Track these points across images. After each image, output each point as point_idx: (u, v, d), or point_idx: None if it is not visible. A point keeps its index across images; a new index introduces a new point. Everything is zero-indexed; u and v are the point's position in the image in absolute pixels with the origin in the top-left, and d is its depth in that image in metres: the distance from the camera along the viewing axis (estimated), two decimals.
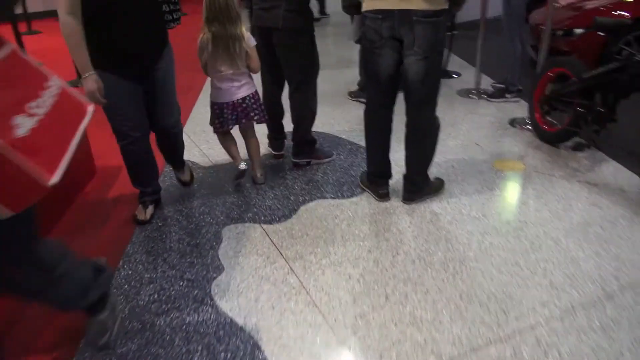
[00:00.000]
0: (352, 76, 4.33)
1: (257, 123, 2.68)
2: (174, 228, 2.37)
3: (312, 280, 1.98)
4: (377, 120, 2.42)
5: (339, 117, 3.78)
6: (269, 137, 3.07)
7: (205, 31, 2.41)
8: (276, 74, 2.78)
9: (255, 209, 2.52)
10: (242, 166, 2.66)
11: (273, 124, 3.01)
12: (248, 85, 2.56)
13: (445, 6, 2.08)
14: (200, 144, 3.33)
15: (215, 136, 2.74)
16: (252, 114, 2.60)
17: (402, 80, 2.26)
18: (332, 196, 2.62)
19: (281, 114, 3.01)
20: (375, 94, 2.36)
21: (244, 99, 2.54)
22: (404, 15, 2.06)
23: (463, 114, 3.77)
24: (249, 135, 2.74)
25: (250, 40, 2.47)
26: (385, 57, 2.21)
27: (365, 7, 2.17)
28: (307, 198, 2.61)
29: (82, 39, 1.85)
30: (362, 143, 3.18)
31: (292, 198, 2.62)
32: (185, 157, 3.11)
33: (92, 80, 1.91)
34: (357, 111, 3.87)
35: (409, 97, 2.27)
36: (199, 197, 2.66)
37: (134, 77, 2.11)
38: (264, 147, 3.06)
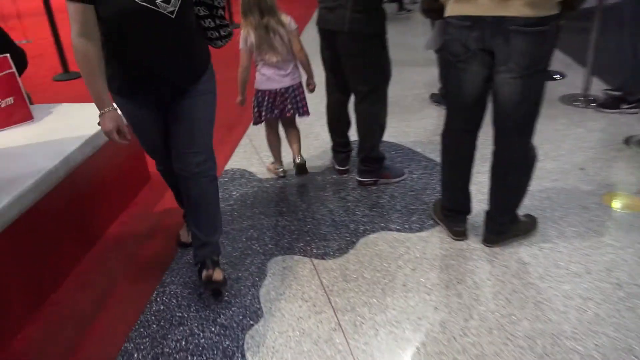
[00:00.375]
0: (435, 76, 3.86)
1: (298, 115, 2.60)
2: None
3: (361, 343, 1.65)
4: (456, 148, 2.00)
5: (415, 125, 3.36)
6: (333, 149, 2.75)
7: (245, 25, 2.37)
8: (341, 80, 2.45)
9: (308, 238, 2.23)
10: (281, 174, 2.76)
11: (337, 136, 2.69)
12: (293, 76, 2.50)
13: (556, 11, 1.61)
14: (261, 151, 3.09)
15: None
16: (289, 107, 2.52)
17: (492, 101, 1.83)
18: (398, 228, 2.26)
19: (347, 125, 2.68)
20: (456, 117, 1.95)
21: (287, 89, 2.48)
22: (499, 24, 1.63)
23: (565, 127, 3.18)
24: (289, 127, 2.70)
25: (290, 25, 2.40)
26: (472, 73, 1.78)
27: (449, 11, 1.75)
28: (368, 228, 2.27)
29: (98, 66, 1.53)
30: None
31: (351, 226, 2.29)
32: (243, 165, 2.94)
33: (109, 119, 1.59)
34: (438, 118, 3.43)
35: (499, 123, 1.84)
36: (250, 216, 2.41)
37: (158, 106, 1.78)
38: (325, 157, 2.76)
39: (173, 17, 1.53)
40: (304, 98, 2.58)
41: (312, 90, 2.62)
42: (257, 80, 2.50)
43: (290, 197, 2.57)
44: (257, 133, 3.32)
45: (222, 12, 1.76)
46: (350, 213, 2.40)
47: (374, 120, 2.45)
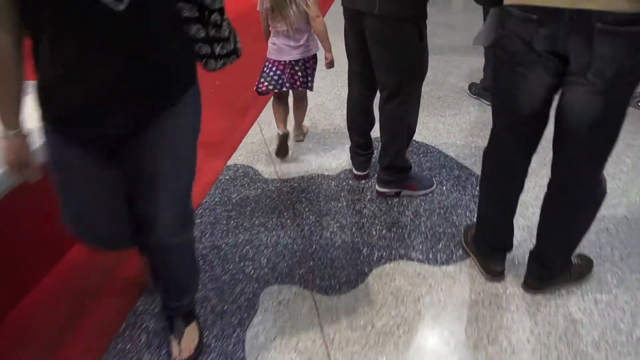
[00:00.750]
0: (477, 64, 3.38)
1: (300, 89, 2.43)
2: (202, 278, 1.81)
3: None
4: (503, 173, 1.59)
5: (449, 122, 2.92)
6: (352, 151, 2.36)
7: None
8: (367, 71, 2.04)
9: (312, 262, 1.88)
10: (281, 131, 2.48)
11: (357, 136, 2.30)
12: (304, 48, 2.31)
13: None
14: (272, 143, 2.73)
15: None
16: (301, 80, 2.36)
17: (556, 119, 1.41)
18: (420, 257, 1.88)
19: (369, 124, 2.28)
20: (506, 134, 1.53)
21: (297, 61, 2.31)
22: (580, 20, 1.19)
23: (629, 135, 2.69)
24: (298, 99, 2.58)
25: None
26: (533, 81, 1.36)
27: None
28: (384, 254, 1.91)
29: (10, 66, 1.03)
30: (477, 169, 2.38)
31: (364, 251, 1.93)
32: (249, 160, 2.59)
33: (12, 147, 1.11)
34: (477, 115, 2.98)
35: (565, 147, 1.42)
36: (248, 228, 2.07)
37: (106, 148, 1.19)
38: (342, 155, 2.39)
39: (121, 9, 0.97)
40: (314, 72, 2.43)
41: (328, 66, 2.37)
42: (269, 48, 2.36)
43: (297, 206, 2.21)
44: (269, 121, 2.96)
45: (220, 19, 1.15)
46: (365, 232, 2.03)
47: (401, 122, 2.05)
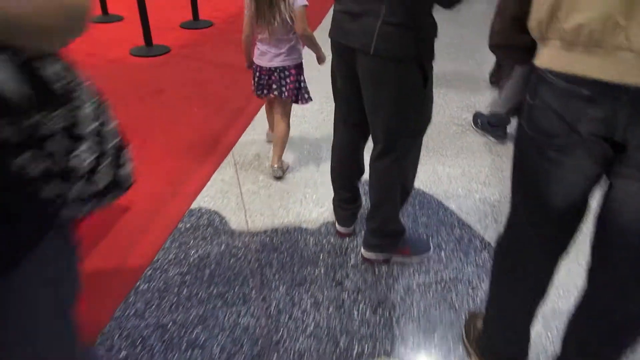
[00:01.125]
0: (484, 90, 3.02)
1: (281, 96, 2.31)
2: None
3: None
4: (521, 274, 1.23)
5: (451, 164, 2.56)
6: (335, 204, 2.00)
7: None
8: (357, 116, 1.69)
9: (276, 356, 1.51)
10: (271, 138, 2.60)
11: (342, 189, 1.94)
12: (285, 57, 2.23)
13: None
14: (245, 183, 2.36)
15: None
16: (274, 86, 2.29)
17: (600, 218, 1.05)
18: (410, 356, 1.52)
19: (357, 174, 1.92)
20: (528, 228, 1.16)
21: (275, 68, 2.26)
22: None
23: None
24: (277, 115, 2.39)
25: (296, 1, 2.05)
26: (571, 169, 1.00)
27: (549, 60, 0.95)
28: (366, 348, 1.54)
29: None
30: (481, 228, 2.04)
31: (342, 342, 1.56)
32: (216, 204, 2.29)
33: None
34: (483, 157, 2.62)
35: (606, 257, 1.06)
36: (203, 299, 1.70)
37: None
38: (326, 202, 2.04)
39: None
40: (297, 82, 2.30)
41: (320, 62, 2.34)
42: (254, 53, 2.33)
43: (266, 271, 1.84)
44: (246, 151, 2.60)
45: (68, 143, 0.64)
46: (344, 314, 1.67)
47: (395, 182, 1.69)
